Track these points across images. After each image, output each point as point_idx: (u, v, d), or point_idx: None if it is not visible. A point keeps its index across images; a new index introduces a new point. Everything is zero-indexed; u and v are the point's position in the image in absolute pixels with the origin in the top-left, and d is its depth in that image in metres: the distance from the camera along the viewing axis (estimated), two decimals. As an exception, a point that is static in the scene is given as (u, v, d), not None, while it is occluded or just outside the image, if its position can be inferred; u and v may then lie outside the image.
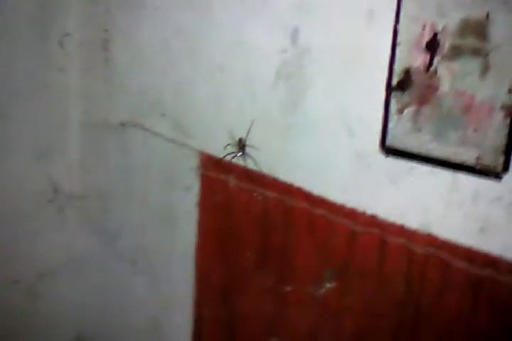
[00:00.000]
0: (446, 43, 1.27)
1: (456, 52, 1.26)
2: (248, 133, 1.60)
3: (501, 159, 1.25)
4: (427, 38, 1.29)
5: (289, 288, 1.63)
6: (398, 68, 1.34)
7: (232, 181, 1.67)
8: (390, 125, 1.38)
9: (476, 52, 1.23)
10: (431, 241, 1.37)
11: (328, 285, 1.55)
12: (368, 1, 1.36)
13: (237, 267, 1.72)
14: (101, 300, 2.15)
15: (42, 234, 2.06)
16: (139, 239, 1.98)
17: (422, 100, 1.32)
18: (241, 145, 1.62)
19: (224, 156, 1.63)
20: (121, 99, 1.93)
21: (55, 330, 2.18)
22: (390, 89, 1.36)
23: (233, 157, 1.63)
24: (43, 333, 2.15)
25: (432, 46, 1.29)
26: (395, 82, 1.35)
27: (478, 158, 1.28)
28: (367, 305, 1.49)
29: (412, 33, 1.31)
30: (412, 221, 1.39)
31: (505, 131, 1.23)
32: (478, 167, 1.28)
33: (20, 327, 2.10)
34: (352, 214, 1.47)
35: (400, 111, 1.36)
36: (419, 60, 1.31)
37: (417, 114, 1.34)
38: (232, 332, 1.76)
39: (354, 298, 1.52)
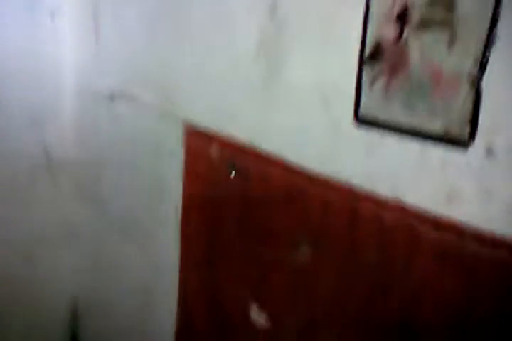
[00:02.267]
0: (416, 15, 1.29)
1: (425, 24, 1.28)
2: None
3: (467, 129, 1.28)
4: (397, 9, 1.31)
5: (268, 255, 1.68)
6: (370, 40, 1.36)
7: (214, 151, 1.71)
8: (363, 96, 1.41)
9: (444, 23, 1.25)
10: (401, 209, 1.41)
11: (303, 252, 1.60)
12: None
13: (220, 234, 1.78)
14: (94, 266, 2.22)
15: (36, 200, 2.12)
16: (129, 206, 2.04)
17: (393, 71, 1.35)
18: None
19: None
20: (110, 70, 1.97)
21: (52, 294, 2.26)
22: (362, 60, 1.39)
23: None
24: (40, 297, 2.23)
25: (403, 18, 1.31)
26: (366, 53, 1.37)
27: (445, 128, 1.31)
28: (340, 270, 1.54)
29: (384, 5, 1.33)
30: (384, 190, 1.43)
31: (471, 101, 1.26)
32: (445, 137, 1.31)
33: (18, 291, 2.17)
34: (326, 184, 1.51)
35: (372, 83, 1.38)
36: (390, 31, 1.33)
37: (388, 85, 1.36)
38: (215, 297, 1.82)
39: (328, 264, 1.57)
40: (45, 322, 2.34)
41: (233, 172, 1.67)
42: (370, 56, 1.37)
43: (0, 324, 2.18)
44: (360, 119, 1.42)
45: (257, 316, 1.75)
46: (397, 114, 1.36)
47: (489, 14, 1.18)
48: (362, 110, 1.42)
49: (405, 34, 1.31)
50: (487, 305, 1.31)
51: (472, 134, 1.28)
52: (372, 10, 1.34)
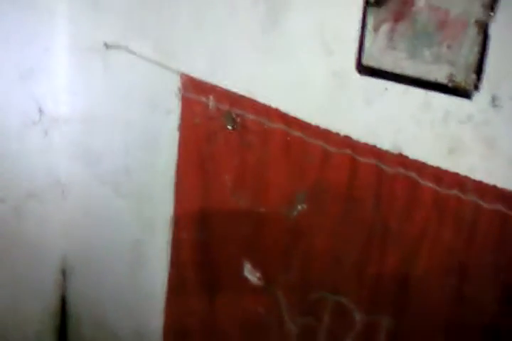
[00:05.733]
0: (424, -44, 1.25)
1: (433, -34, 1.24)
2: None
3: (473, 77, 1.24)
4: (405, -50, 1.27)
5: (263, 210, 1.65)
6: (375, -16, 1.32)
7: (211, 103, 1.67)
8: (366, 43, 1.37)
9: (453, -35, 1.21)
10: (401, 161, 1.37)
11: (300, 207, 1.57)
12: None
13: (215, 190, 1.74)
14: (85, 221, 2.19)
15: (27, 156, 2.08)
16: (122, 162, 2.00)
17: (398, 16, 1.30)
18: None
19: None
20: (106, 21, 1.91)
21: (42, 249, 2.23)
22: (366, 6, 1.34)
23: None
24: (29, 252, 2.20)
25: (410, -40, 1.26)
26: (371, -2, 1.33)
27: (450, 76, 1.27)
28: (337, 225, 1.52)
29: None
30: (384, 141, 1.40)
31: (477, 47, 1.22)
32: (450, 84, 1.27)
33: (7, 246, 2.14)
34: (326, 135, 1.47)
35: (376, 29, 1.34)
36: (397, -25, 1.28)
37: (392, 31, 1.32)
38: (208, 254, 1.79)
39: (325, 219, 1.53)
40: (35, 282, 2.31)
41: (230, 124, 1.63)
42: (375, 1, 1.32)
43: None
44: (363, 67, 1.38)
45: (250, 274, 1.73)
46: (401, 61, 1.32)
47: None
48: (365, 58, 1.37)
49: (412, -23, 1.26)
50: (485, 257, 1.29)
51: (477, 82, 1.25)
52: (378, -49, 1.30)
